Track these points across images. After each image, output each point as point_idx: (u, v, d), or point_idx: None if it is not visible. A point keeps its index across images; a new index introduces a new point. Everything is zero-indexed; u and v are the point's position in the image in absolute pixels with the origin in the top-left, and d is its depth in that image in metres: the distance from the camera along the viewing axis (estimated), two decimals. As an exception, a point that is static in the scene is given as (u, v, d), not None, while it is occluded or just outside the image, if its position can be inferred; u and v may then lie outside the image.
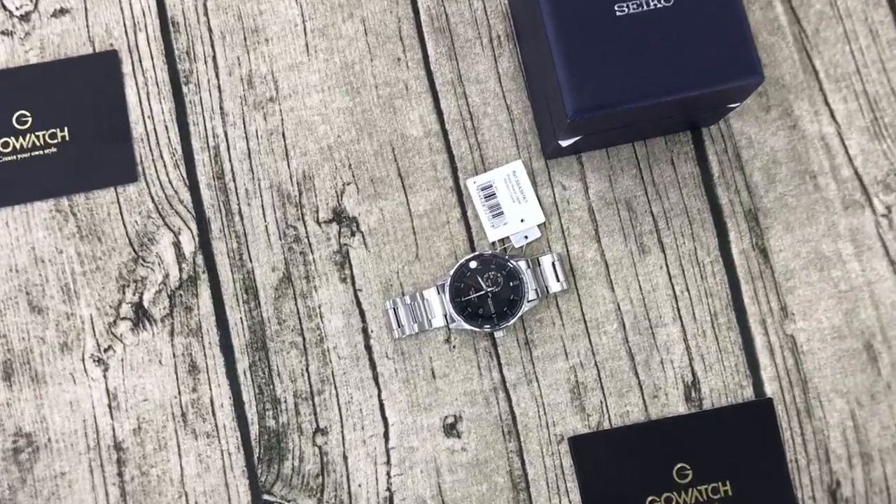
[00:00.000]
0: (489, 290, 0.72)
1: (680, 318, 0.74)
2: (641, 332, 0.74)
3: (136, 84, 0.76)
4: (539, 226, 0.75)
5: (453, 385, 0.73)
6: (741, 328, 0.74)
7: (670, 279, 0.75)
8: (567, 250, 0.75)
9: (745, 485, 0.71)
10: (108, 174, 0.75)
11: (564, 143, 0.69)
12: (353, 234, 0.75)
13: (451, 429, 0.72)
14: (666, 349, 0.74)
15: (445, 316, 0.72)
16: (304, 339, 0.73)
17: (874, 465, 0.72)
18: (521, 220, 0.74)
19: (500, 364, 0.73)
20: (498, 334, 0.72)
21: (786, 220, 0.75)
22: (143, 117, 0.76)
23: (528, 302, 0.72)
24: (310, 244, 0.74)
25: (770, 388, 0.73)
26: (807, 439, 0.72)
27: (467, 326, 0.71)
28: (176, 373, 0.72)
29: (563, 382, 0.73)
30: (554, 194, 0.75)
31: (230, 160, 0.75)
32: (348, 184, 0.75)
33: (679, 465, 0.72)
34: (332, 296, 0.74)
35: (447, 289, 0.72)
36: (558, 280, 0.73)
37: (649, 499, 0.71)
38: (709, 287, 0.74)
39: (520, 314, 0.72)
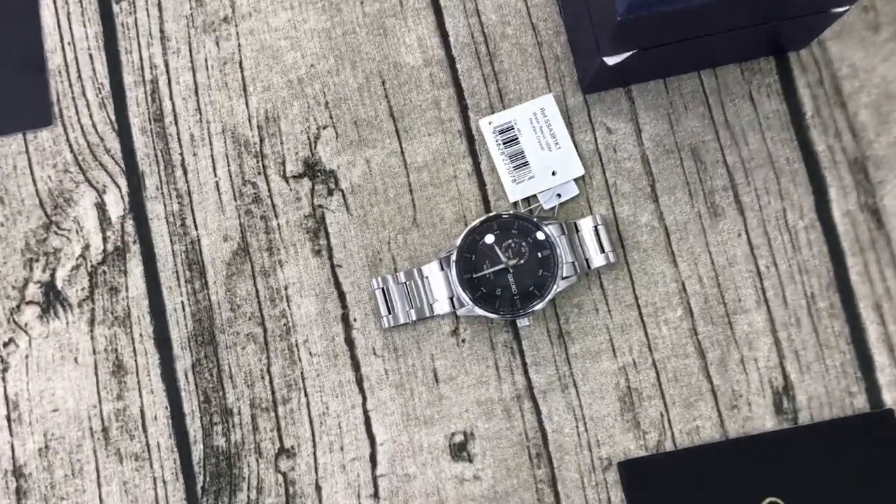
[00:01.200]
0: (510, 263, 0.54)
1: (766, 302, 0.55)
2: (715, 322, 0.55)
3: (54, 1, 0.59)
4: (576, 181, 0.56)
5: (463, 392, 0.54)
6: (848, 315, 0.55)
7: (752, 251, 0.56)
8: (614, 212, 0.56)
9: (857, 526, 0.53)
10: (15, 116, 0.57)
11: (611, 61, 0.51)
12: (330, 193, 0.57)
13: (459, 450, 0.54)
14: (748, 344, 0.55)
15: (451, 299, 0.54)
16: (265, 330, 0.55)
17: None
18: (553, 174, 0.56)
19: (524, 364, 0.55)
20: (522, 323, 0.53)
21: (904, 172, 0.57)
22: (62, 44, 0.59)
23: (563, 280, 0.54)
24: (273, 206, 0.56)
25: (890, 396, 0.54)
26: (940, 465, 0.53)
27: (481, 312, 0.53)
28: (96, 374, 0.55)
29: (611, 388, 0.55)
30: (595, 139, 0.57)
31: (171, 98, 0.58)
32: (324, 127, 0.57)
33: (768, 501, 0.53)
34: (302, 273, 0.56)
35: (453, 263, 0.54)
36: (603, 251, 0.54)
37: (728, 545, 0.52)
38: (803, 261, 0.56)
39: (551, 296, 0.53)
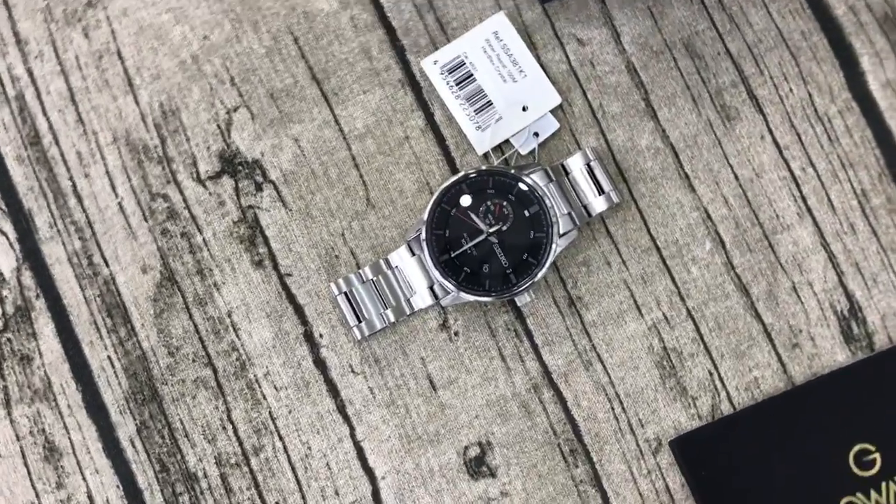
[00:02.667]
0: (492, 231, 0.43)
1: (809, 211, 0.45)
2: (753, 248, 0.45)
3: None
4: (553, 112, 0.46)
5: (468, 395, 0.45)
6: (912, 208, 0.45)
7: (780, 153, 0.46)
8: (606, 141, 0.46)
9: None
10: None
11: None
12: (258, 189, 0.46)
13: (478, 465, 0.44)
14: (797, 267, 0.45)
15: (432, 288, 0.44)
16: (214, 370, 0.45)
17: None
18: (524, 109, 0.45)
19: (535, 346, 0.45)
20: (522, 300, 0.43)
21: (946, 19, 0.46)
22: None
23: (561, 238, 0.43)
24: (193, 218, 0.46)
25: (977, 295, 0.44)
26: None
27: (470, 298, 0.43)
28: (26, 465, 0.45)
29: (643, 354, 0.45)
30: (567, 56, 0.46)
31: (45, 113, 0.47)
32: (235, 109, 0.46)
33: (857, 449, 0.44)
34: (245, 293, 0.45)
35: (425, 244, 0.43)
36: (602, 192, 0.44)
37: (819, 511, 0.43)
38: (845, 152, 0.45)
39: (550, 260, 0.43)
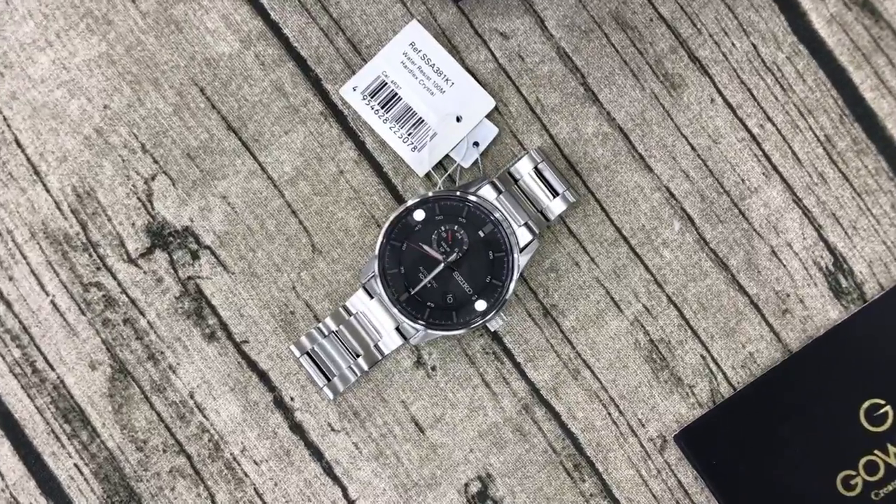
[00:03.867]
0: (449, 259, 0.41)
1: (774, 169, 0.43)
2: (723, 219, 0.43)
3: None
4: (490, 116, 0.43)
5: (458, 430, 0.42)
6: (878, 143, 0.43)
7: (734, 113, 0.43)
8: (551, 136, 0.43)
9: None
10: None
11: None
12: (195, 257, 0.43)
13: (482, 500, 0.42)
14: (772, 229, 0.43)
15: (398, 329, 0.41)
16: (188, 457, 0.42)
17: None
18: (458, 120, 0.42)
19: (517, 365, 0.43)
20: (494, 325, 0.41)
21: (881, -62, 0.43)
22: None
23: (523, 251, 0.41)
24: (133, 302, 0.43)
25: (962, 222, 0.42)
26: None
27: (439, 334, 0.40)
28: (13, 593, 0.42)
29: (630, 351, 0.42)
30: (493, 54, 0.43)
31: (-48, 219, 0.43)
32: (153, 177, 0.43)
33: (867, 405, 0.42)
34: (203, 370, 0.42)
35: (379, 284, 0.40)
36: (556, 193, 0.41)
37: (840, 476, 0.41)
38: (800, 100, 0.43)
39: (514, 278, 0.40)
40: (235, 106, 0.43)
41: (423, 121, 0.42)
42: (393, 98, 0.42)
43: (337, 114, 0.43)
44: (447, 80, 0.42)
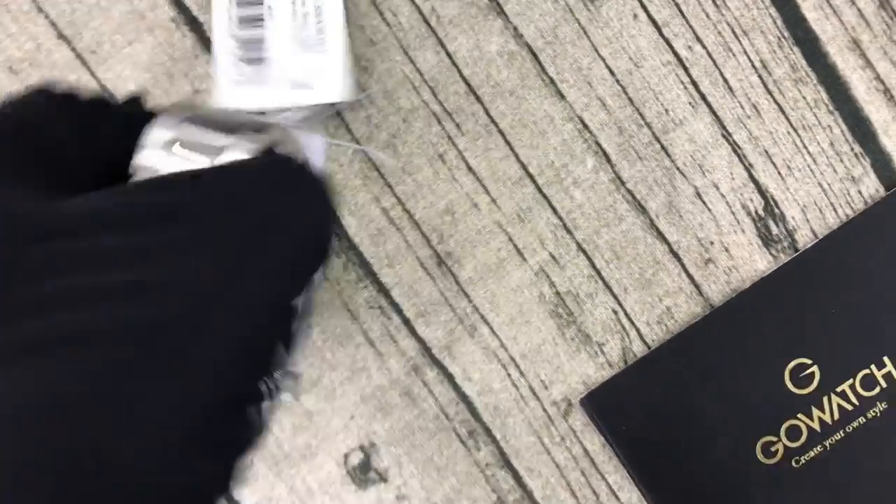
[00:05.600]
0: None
1: (703, 98, 0.37)
2: (643, 156, 0.37)
3: None
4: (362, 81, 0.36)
5: (336, 395, 0.37)
6: (819, 72, 0.37)
7: (659, 32, 0.37)
8: (448, 54, 0.37)
9: (913, 350, 0.38)
10: None
11: None
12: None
13: (363, 471, 0.37)
14: (697, 168, 0.37)
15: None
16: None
17: None
18: (297, 90, 0.35)
19: (406, 321, 0.37)
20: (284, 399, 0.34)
21: None
22: None
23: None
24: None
25: (905, 162, 0.38)
26: None
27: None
28: None
29: (534, 305, 0.37)
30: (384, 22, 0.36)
31: None
32: (-38, 96, 0.36)
33: (793, 365, 0.38)
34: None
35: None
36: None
37: (761, 442, 0.38)
38: (734, 18, 0.37)
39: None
40: (67, 10, 0.36)
41: (265, 61, 0.35)
42: (255, 21, 0.35)
43: (191, 20, 0.36)
44: (323, 42, 0.35)
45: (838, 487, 0.38)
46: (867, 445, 0.38)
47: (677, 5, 0.37)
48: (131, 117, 0.25)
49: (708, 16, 0.37)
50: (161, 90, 0.36)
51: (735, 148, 0.37)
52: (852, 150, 0.38)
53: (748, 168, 0.38)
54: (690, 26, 0.37)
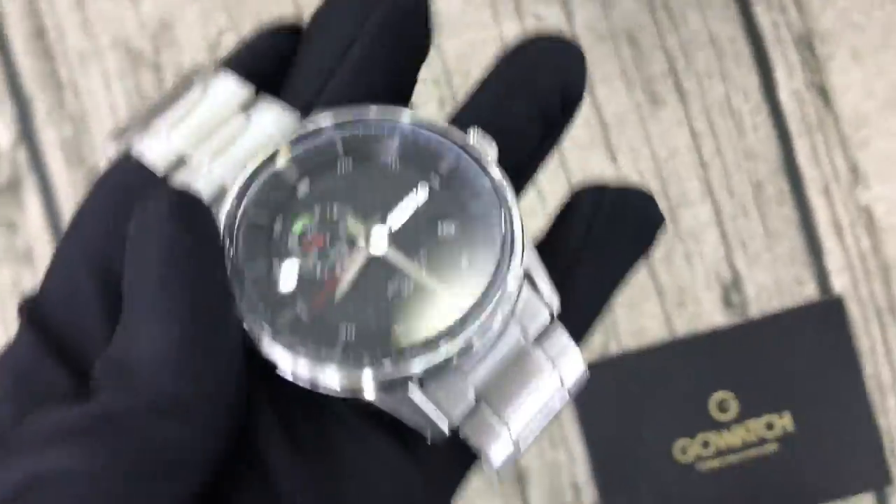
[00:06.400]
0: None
1: (711, 192, 0.53)
2: (658, 217, 0.52)
3: None
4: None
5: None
6: (797, 201, 0.53)
7: (694, 139, 0.53)
8: (547, 107, 0.52)
9: (809, 415, 0.51)
10: None
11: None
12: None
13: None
14: (693, 237, 0.52)
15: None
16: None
17: None
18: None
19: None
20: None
21: (852, 45, 0.53)
22: (-77, -44, 0.52)
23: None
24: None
25: (839, 283, 0.52)
26: (891, 348, 0.52)
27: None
28: (5, 318, 0.51)
29: (552, 294, 0.52)
30: (524, 30, 0.53)
31: (54, 11, 0.52)
32: (223, 32, 0.52)
33: (718, 396, 0.52)
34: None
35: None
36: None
37: (679, 443, 0.51)
38: (749, 146, 0.53)
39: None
40: (310, -1, 0.52)
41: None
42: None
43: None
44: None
45: (722, 499, 0.51)
46: (752, 474, 0.51)
47: (711, 125, 0.53)
48: None
49: (731, 138, 0.53)
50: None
51: (723, 233, 0.52)
52: (805, 261, 0.52)
53: (728, 248, 0.52)
54: (717, 143, 0.53)
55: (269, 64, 0.25)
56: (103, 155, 0.51)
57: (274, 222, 0.24)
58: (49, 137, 0.52)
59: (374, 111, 0.24)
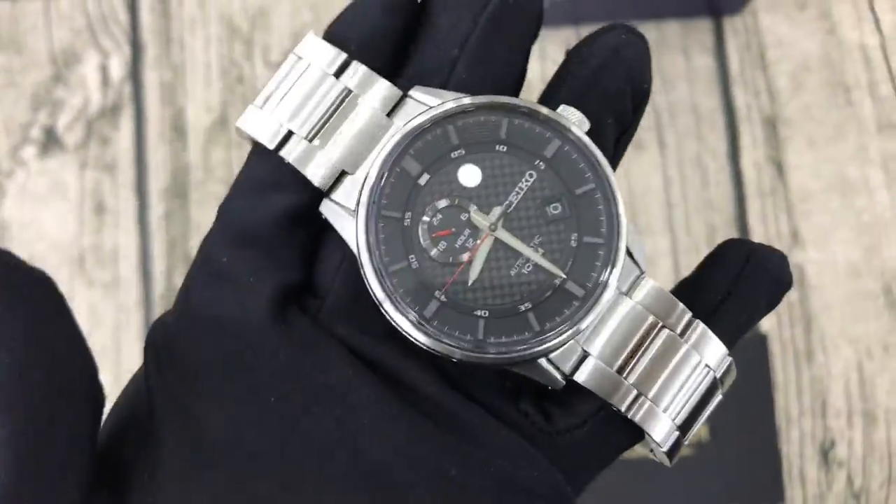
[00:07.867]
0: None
1: (672, 228, 0.63)
2: (624, 237, 0.63)
3: None
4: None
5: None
6: (741, 249, 0.63)
7: (666, 183, 0.64)
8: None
9: (724, 430, 0.60)
10: (40, -18, 0.65)
11: (559, -6, 0.59)
12: (305, 83, 0.64)
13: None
14: (650, 262, 0.63)
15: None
16: (232, 192, 0.63)
17: (877, 427, 0.61)
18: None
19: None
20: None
21: (809, 134, 0.64)
22: (89, -75, 0.66)
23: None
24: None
25: (767, 323, 0.62)
26: (803, 387, 0.61)
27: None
28: (81, 210, 0.63)
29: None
30: (543, 73, 0.65)
31: (179, -16, 0.66)
32: (305, 25, 0.65)
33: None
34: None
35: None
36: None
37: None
38: (710, 198, 0.64)
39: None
40: None
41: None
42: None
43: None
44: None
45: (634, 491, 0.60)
46: (666, 471, 0.60)
47: (683, 176, 0.64)
48: None
49: (696, 188, 0.64)
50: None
51: (677, 262, 0.63)
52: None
53: (677, 277, 0.63)
54: (684, 189, 0.64)
55: (379, 38, 0.27)
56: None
57: (404, 217, 0.26)
58: (151, 78, 0.64)
59: (483, 100, 0.26)
